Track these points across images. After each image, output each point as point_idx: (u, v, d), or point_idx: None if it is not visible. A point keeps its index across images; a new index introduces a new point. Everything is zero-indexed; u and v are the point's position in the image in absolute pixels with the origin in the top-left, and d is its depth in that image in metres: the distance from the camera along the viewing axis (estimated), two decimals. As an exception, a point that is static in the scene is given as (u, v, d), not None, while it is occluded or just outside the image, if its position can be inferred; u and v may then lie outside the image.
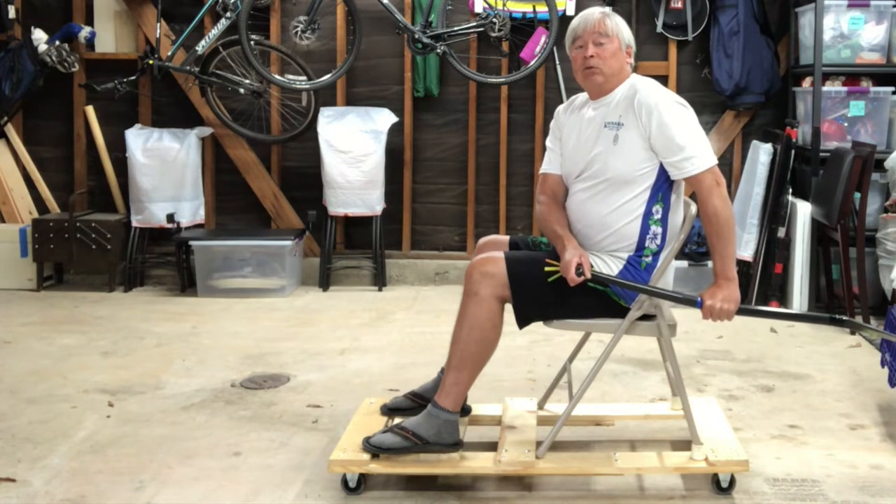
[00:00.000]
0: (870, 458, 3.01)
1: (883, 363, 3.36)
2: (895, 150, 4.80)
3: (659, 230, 2.74)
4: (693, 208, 2.75)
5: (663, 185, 2.73)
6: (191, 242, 5.39)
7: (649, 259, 2.74)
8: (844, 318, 2.76)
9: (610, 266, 2.73)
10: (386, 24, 5.52)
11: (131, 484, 2.79)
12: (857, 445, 3.13)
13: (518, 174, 5.76)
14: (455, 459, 2.72)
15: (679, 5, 5.47)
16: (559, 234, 2.77)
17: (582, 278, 2.63)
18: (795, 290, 4.94)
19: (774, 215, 5.01)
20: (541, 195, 2.93)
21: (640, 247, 2.74)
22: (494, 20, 5.33)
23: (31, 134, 5.88)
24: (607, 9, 2.88)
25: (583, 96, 2.93)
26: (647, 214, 2.73)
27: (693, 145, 2.67)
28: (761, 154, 5.06)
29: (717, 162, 2.71)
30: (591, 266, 2.68)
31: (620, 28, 2.82)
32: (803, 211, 4.94)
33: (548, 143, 3.00)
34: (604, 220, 2.74)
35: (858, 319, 4.54)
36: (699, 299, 2.67)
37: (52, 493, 2.73)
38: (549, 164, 2.95)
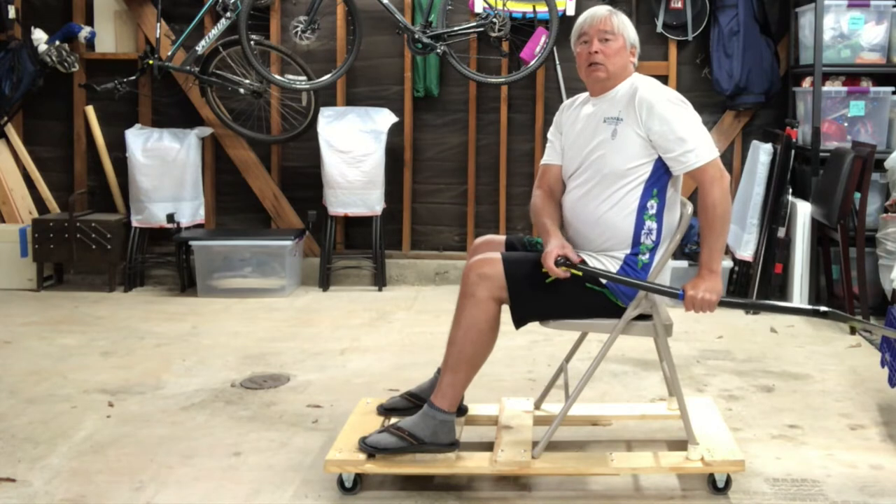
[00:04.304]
0: (870, 458, 3.01)
1: (883, 363, 3.36)
2: (895, 150, 4.80)
3: (654, 225, 2.74)
4: (689, 208, 2.75)
5: (659, 181, 2.73)
6: (191, 242, 5.39)
7: (646, 258, 2.74)
8: (828, 309, 2.73)
9: (607, 266, 2.73)
10: (386, 24, 5.52)
11: (131, 484, 2.79)
12: (857, 445, 3.12)
13: (518, 174, 5.75)
14: (451, 459, 2.72)
15: (679, 5, 5.47)
16: (547, 227, 2.79)
17: (563, 271, 2.63)
18: (795, 290, 4.94)
19: (774, 215, 5.00)
20: (537, 188, 2.95)
21: (636, 243, 2.73)
22: (494, 20, 5.33)
23: (31, 134, 5.88)
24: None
25: (584, 95, 2.94)
26: (642, 209, 2.73)
27: (694, 138, 2.68)
28: (761, 154, 5.05)
29: (718, 155, 2.71)
30: (583, 261, 2.69)
31: (626, 26, 2.84)
32: (803, 211, 4.94)
33: (549, 135, 3.02)
34: (599, 216, 2.74)
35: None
36: (681, 291, 2.67)
37: (52, 493, 2.73)
38: (549, 156, 2.97)
